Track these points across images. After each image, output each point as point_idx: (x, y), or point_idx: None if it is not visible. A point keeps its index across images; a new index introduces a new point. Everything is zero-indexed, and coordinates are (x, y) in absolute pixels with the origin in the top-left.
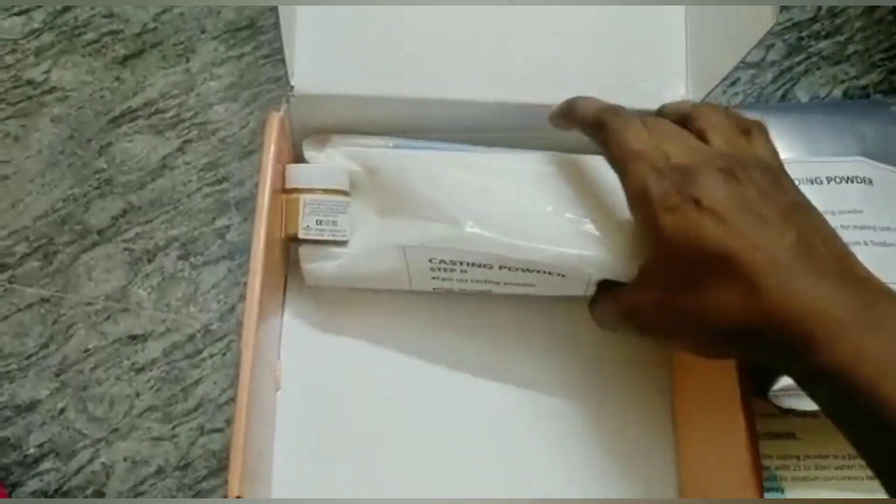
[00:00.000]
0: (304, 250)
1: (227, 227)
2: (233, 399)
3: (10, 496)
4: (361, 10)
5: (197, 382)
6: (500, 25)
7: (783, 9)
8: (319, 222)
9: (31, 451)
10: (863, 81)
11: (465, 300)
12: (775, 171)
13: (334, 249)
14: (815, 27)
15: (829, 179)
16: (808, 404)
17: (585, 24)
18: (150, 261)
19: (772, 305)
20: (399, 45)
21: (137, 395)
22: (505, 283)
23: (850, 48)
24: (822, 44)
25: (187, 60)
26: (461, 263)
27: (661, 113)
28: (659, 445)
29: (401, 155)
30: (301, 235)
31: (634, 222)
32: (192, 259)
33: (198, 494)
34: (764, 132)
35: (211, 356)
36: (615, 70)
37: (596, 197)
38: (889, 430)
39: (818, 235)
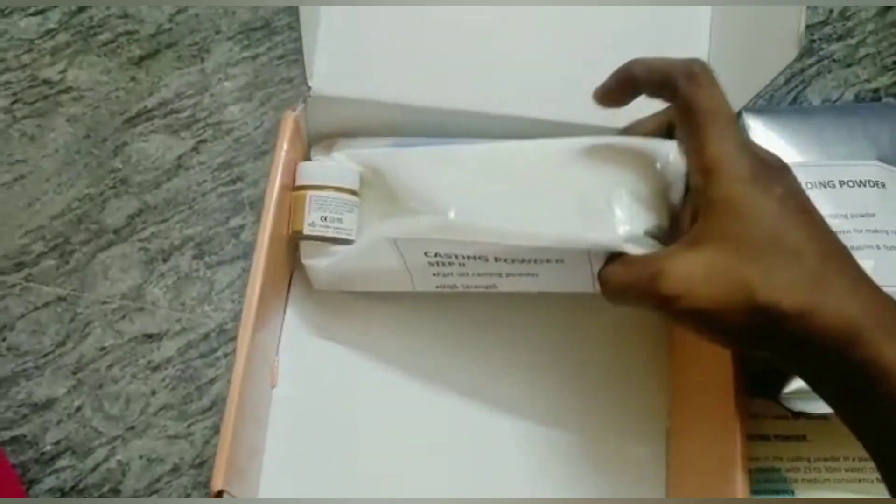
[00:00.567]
0: (305, 245)
1: (242, 227)
2: None
3: (27, 493)
4: (382, 15)
5: (212, 381)
6: (522, 39)
7: None
8: (324, 219)
9: (48, 448)
10: (874, 84)
11: (466, 304)
12: None
13: (335, 248)
14: (827, 30)
15: (841, 183)
16: (820, 407)
17: (608, 43)
18: (165, 260)
19: (821, 299)
20: (418, 52)
21: (153, 393)
22: (507, 275)
23: (862, 51)
24: (834, 46)
25: (202, 61)
26: (457, 257)
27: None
28: (652, 444)
29: (396, 153)
30: (306, 231)
31: (700, 187)
32: (206, 258)
33: None
34: None
35: (225, 355)
36: None
37: (587, 177)
38: None
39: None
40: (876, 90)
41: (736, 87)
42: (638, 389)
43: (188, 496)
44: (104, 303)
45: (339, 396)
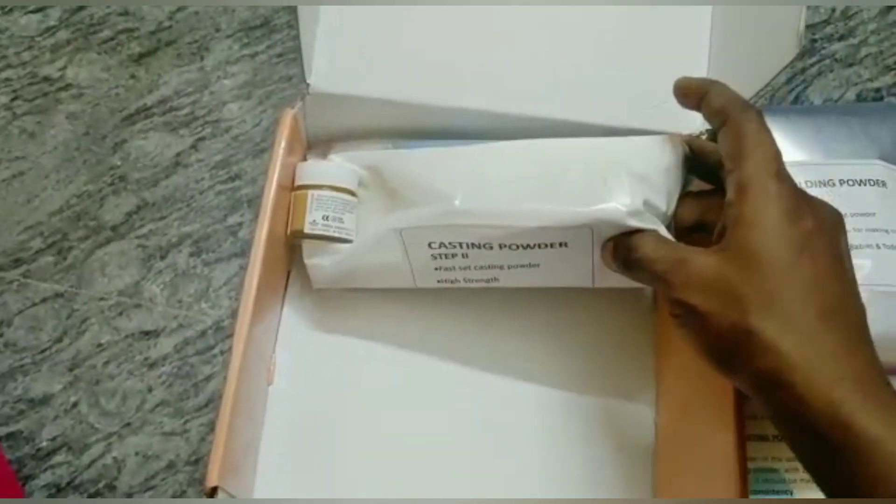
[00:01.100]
0: (307, 245)
1: (240, 225)
2: None
3: (23, 488)
4: (381, 14)
5: (208, 378)
6: (523, 37)
7: None
8: (326, 218)
9: (44, 444)
10: (876, 84)
11: (463, 302)
12: None
13: (337, 246)
14: (829, 29)
15: (842, 182)
16: None
17: (608, 42)
18: (162, 257)
19: (813, 349)
20: (417, 51)
21: (149, 390)
22: (509, 267)
23: (864, 51)
24: (836, 46)
25: (201, 59)
26: (461, 246)
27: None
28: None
29: (395, 154)
30: (307, 230)
31: (734, 202)
32: (204, 256)
33: None
34: None
35: (222, 352)
36: (635, 88)
37: (589, 161)
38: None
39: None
40: (877, 90)
41: (736, 85)
42: (626, 387)
43: (184, 493)
44: (101, 299)
45: (336, 394)
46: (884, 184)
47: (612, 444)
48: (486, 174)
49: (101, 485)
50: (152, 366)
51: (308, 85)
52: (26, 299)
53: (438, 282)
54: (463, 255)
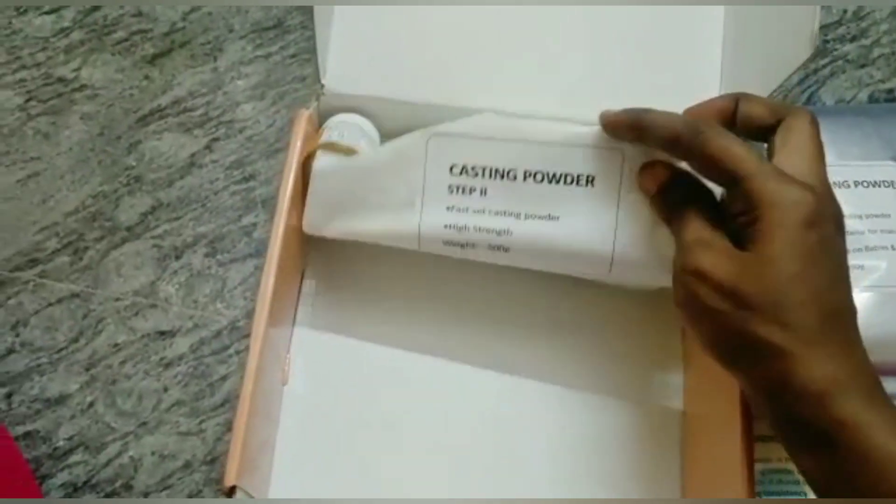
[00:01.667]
0: (320, 153)
1: (254, 225)
2: None
3: (40, 487)
4: (396, 14)
5: (224, 378)
6: (536, 38)
7: None
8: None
9: (61, 443)
10: (888, 85)
11: (481, 302)
12: None
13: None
14: (841, 30)
15: (856, 183)
16: None
17: (620, 39)
18: (178, 257)
19: (815, 349)
20: (431, 50)
21: (165, 389)
22: (526, 216)
23: (876, 51)
24: (848, 47)
25: (215, 59)
26: (483, 173)
27: (749, 103)
28: (666, 441)
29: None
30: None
31: (756, 205)
32: (219, 256)
33: None
34: None
35: (237, 352)
36: (646, 87)
37: None
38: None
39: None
40: (890, 90)
41: (749, 86)
42: (652, 381)
43: (200, 492)
44: (117, 299)
45: (351, 394)
46: None
47: (637, 436)
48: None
49: (117, 484)
50: (168, 366)
51: (322, 85)
52: (42, 299)
53: (446, 227)
54: (481, 192)
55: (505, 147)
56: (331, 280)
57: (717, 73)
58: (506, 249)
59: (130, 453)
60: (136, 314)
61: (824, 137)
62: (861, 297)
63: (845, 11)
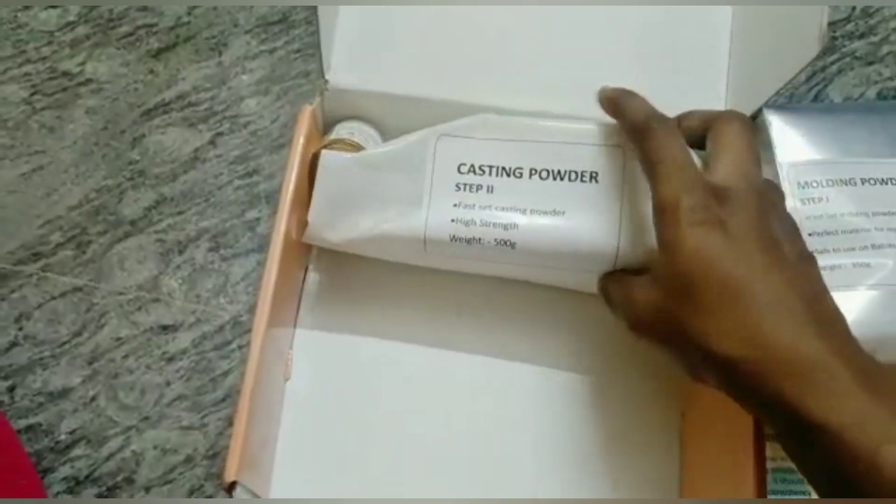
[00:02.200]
0: (326, 151)
1: (257, 220)
2: None
3: (42, 481)
4: (400, 10)
5: (226, 373)
6: (542, 36)
7: None
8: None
9: (63, 437)
10: None
11: (482, 304)
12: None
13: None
14: (849, 27)
15: (863, 181)
16: None
17: (628, 38)
18: (181, 252)
19: (767, 345)
20: (435, 46)
21: (167, 384)
22: (532, 212)
23: (885, 48)
24: (856, 44)
25: (220, 54)
26: (490, 172)
27: (688, 118)
28: (666, 443)
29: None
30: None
31: (655, 229)
32: (222, 251)
33: None
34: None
35: (240, 347)
36: (654, 86)
37: None
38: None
39: (825, 290)
40: None
41: (757, 83)
42: (650, 388)
43: (201, 487)
44: (120, 294)
45: (353, 390)
46: None
47: (635, 442)
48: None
49: (119, 478)
50: (170, 360)
51: (326, 80)
52: (46, 293)
53: (452, 221)
54: (488, 189)
55: (511, 146)
56: (335, 276)
57: (724, 72)
58: (512, 245)
59: (132, 447)
60: (139, 308)
61: (831, 135)
62: (866, 296)
63: (854, 8)
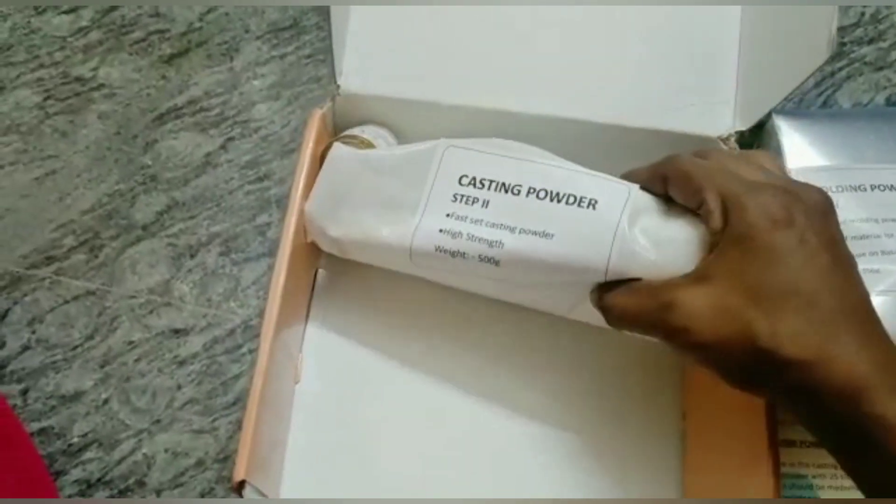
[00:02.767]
0: (337, 144)
1: (268, 225)
2: None
3: (54, 484)
4: (412, 14)
5: (237, 377)
6: (553, 39)
7: None
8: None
9: (75, 440)
10: None
11: (490, 309)
12: None
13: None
14: (858, 32)
15: (872, 187)
16: None
17: (638, 42)
18: (192, 256)
19: (836, 350)
20: (447, 51)
21: (179, 387)
22: (521, 231)
23: (894, 54)
24: (865, 49)
25: (231, 59)
26: (489, 187)
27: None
28: (667, 446)
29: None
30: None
31: (720, 220)
32: (233, 255)
33: None
34: None
35: (250, 351)
36: (662, 91)
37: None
38: None
39: (866, 290)
40: None
41: (766, 89)
42: (651, 391)
43: (212, 490)
44: (132, 297)
45: (362, 393)
46: None
47: (635, 445)
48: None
49: (131, 481)
50: (182, 364)
51: (338, 86)
52: (58, 297)
53: (441, 231)
54: (483, 203)
55: (516, 164)
56: (345, 279)
57: (733, 77)
58: (496, 262)
59: (144, 450)
60: (151, 312)
61: (840, 141)
62: (876, 302)
63: (863, 14)
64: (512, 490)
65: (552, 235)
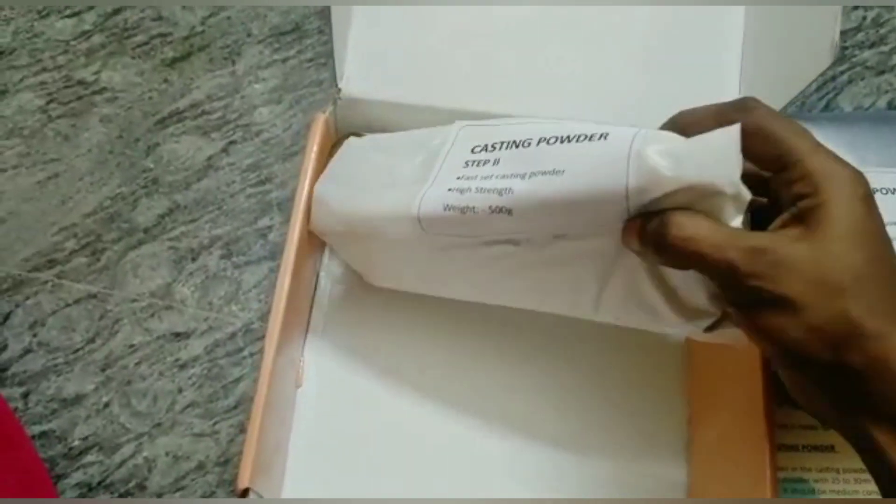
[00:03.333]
0: (353, 136)
1: (269, 228)
2: None
3: (55, 487)
4: (414, 18)
5: (238, 380)
6: (552, 41)
7: None
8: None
9: (76, 443)
10: None
11: (495, 313)
12: None
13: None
14: (860, 36)
15: (876, 191)
16: None
17: (640, 45)
18: (193, 259)
19: None
20: (449, 56)
21: (180, 391)
22: (531, 175)
23: (895, 58)
24: (867, 53)
25: (233, 63)
26: (500, 147)
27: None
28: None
29: None
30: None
31: (815, 189)
32: (234, 258)
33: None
34: None
35: (251, 355)
36: (664, 95)
37: None
38: None
39: None
40: None
41: (769, 92)
42: (655, 398)
43: (213, 493)
44: (133, 301)
45: (363, 397)
46: None
47: (641, 455)
48: None
49: (131, 484)
50: (183, 367)
51: (339, 89)
52: (60, 300)
53: (449, 190)
54: (494, 162)
55: (530, 125)
56: (346, 283)
57: (736, 80)
58: (508, 212)
59: (145, 454)
60: (152, 315)
61: (843, 145)
62: None
63: (864, 18)
64: (512, 491)
65: (563, 172)
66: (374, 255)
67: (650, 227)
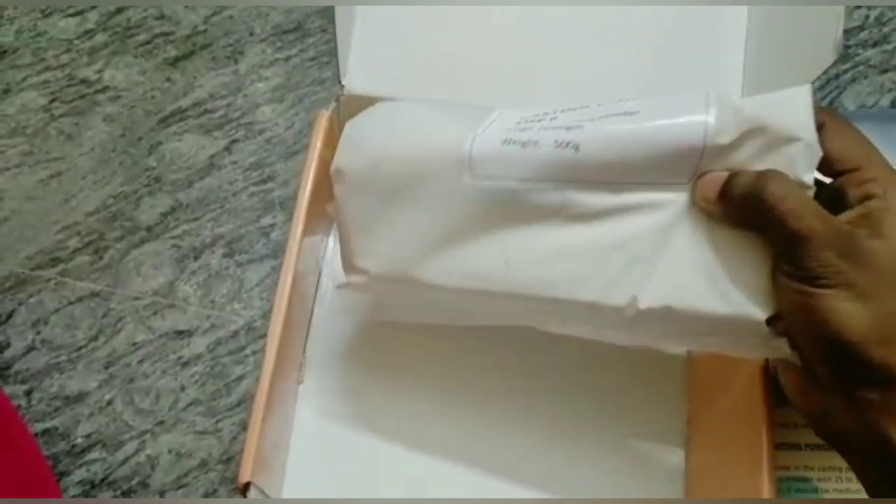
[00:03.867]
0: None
1: (272, 226)
2: None
3: (58, 484)
4: (416, 16)
5: (240, 378)
6: (555, 39)
7: None
8: None
9: (79, 441)
10: None
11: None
12: None
13: None
14: (863, 35)
15: None
16: None
17: (644, 44)
18: (196, 258)
19: None
20: (452, 53)
21: (182, 388)
22: (600, 117)
23: None
24: (870, 52)
25: (236, 62)
26: (555, 110)
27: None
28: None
29: None
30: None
31: (886, 191)
32: (237, 257)
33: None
34: None
35: (254, 353)
36: (667, 94)
37: None
38: None
39: None
40: None
41: (772, 91)
42: (655, 398)
43: (215, 491)
44: (136, 299)
45: (364, 395)
46: None
47: (640, 455)
48: None
49: (134, 482)
50: (185, 365)
51: (342, 87)
52: (63, 298)
53: (508, 129)
54: (552, 118)
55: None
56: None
57: (739, 79)
58: (575, 147)
59: (147, 451)
60: (155, 313)
61: None
62: None
63: (867, 16)
64: (512, 491)
65: (637, 112)
66: (396, 227)
67: (741, 182)
